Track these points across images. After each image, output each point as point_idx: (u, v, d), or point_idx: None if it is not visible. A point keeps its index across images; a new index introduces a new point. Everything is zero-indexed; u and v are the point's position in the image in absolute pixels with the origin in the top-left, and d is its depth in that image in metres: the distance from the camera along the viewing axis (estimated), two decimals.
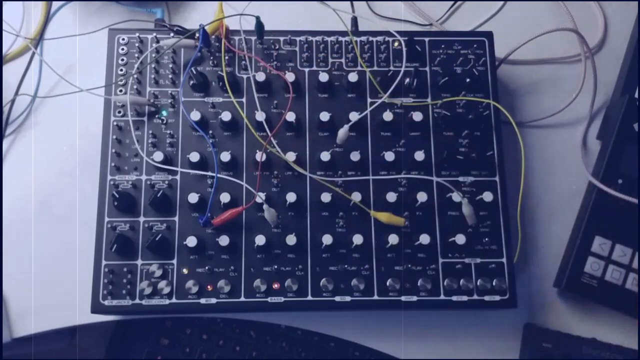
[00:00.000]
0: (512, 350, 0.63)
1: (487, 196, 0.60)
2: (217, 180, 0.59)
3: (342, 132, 0.60)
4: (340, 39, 0.65)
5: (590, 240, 0.63)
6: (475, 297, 0.59)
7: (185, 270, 0.59)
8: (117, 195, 0.58)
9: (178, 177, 0.61)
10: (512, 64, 0.71)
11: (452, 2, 0.74)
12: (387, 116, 0.62)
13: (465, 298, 0.59)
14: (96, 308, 0.57)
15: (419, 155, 0.61)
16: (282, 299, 0.58)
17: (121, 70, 0.63)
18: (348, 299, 0.59)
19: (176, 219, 0.60)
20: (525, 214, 0.66)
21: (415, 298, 0.59)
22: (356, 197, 0.60)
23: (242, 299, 0.58)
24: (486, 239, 0.60)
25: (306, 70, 0.64)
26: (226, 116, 0.61)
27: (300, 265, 0.59)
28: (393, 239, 0.58)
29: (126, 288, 0.58)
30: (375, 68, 0.65)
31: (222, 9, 0.62)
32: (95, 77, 0.64)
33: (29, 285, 0.63)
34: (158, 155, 0.60)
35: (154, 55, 0.64)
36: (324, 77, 0.62)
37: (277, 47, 0.64)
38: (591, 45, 0.71)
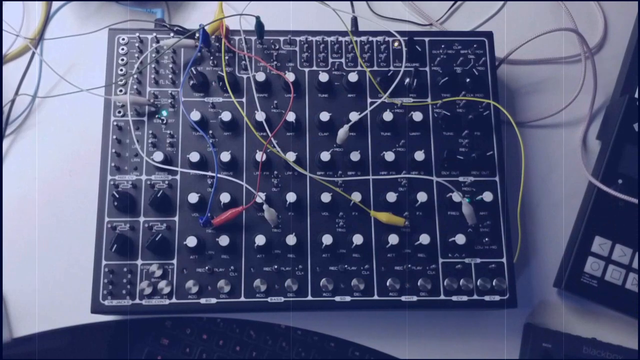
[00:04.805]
0: (512, 350, 0.63)
1: (487, 196, 0.60)
2: (217, 180, 0.59)
3: (342, 132, 0.60)
4: (340, 39, 0.65)
5: (590, 240, 0.63)
6: (475, 297, 0.59)
7: (185, 270, 0.59)
8: (117, 195, 0.58)
9: (178, 177, 0.61)
10: (512, 64, 0.71)
11: (452, 2, 0.74)
12: (387, 116, 0.62)
13: (465, 298, 0.59)
14: (96, 308, 0.57)
15: (419, 155, 0.61)
16: (282, 299, 0.58)
17: (121, 70, 0.63)
18: (348, 299, 0.59)
19: (176, 219, 0.60)
20: (525, 214, 0.66)
21: (415, 298, 0.59)
22: (356, 197, 0.60)
23: (242, 299, 0.58)
24: (486, 239, 0.60)
25: (306, 70, 0.64)
26: (226, 116, 0.61)
27: (300, 265, 0.59)
28: (393, 239, 0.58)
29: (126, 288, 0.58)
30: (375, 68, 0.65)
31: (222, 9, 0.62)
32: (95, 77, 0.64)
33: (29, 285, 0.63)
34: (158, 155, 0.60)
35: (154, 55, 0.64)
36: (324, 77, 0.62)
37: (277, 47, 0.64)
38: (591, 45, 0.71)
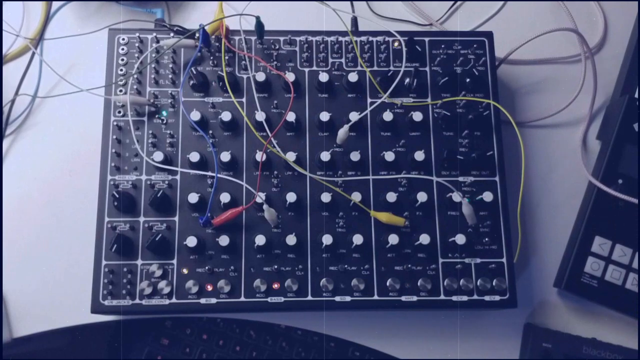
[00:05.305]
0: (512, 350, 0.63)
1: (487, 196, 0.60)
2: (217, 180, 0.59)
3: (342, 132, 0.60)
4: (340, 39, 0.65)
5: (590, 240, 0.63)
6: (475, 297, 0.59)
7: (185, 270, 0.59)
8: (117, 195, 0.58)
9: (178, 177, 0.61)
10: (512, 64, 0.71)
11: (452, 2, 0.74)
12: (387, 116, 0.62)
13: (465, 298, 0.59)
14: (96, 308, 0.57)
15: (419, 155, 0.61)
16: (282, 299, 0.58)
17: (121, 70, 0.63)
18: (348, 299, 0.59)
19: (176, 219, 0.60)
20: (525, 214, 0.66)
21: (415, 298, 0.59)
22: (356, 197, 0.60)
23: (242, 299, 0.58)
24: (486, 239, 0.60)
25: (306, 70, 0.64)
26: (226, 116, 0.61)
27: (300, 265, 0.59)
28: (393, 239, 0.58)
29: (126, 288, 0.58)
30: (375, 68, 0.65)
31: (222, 9, 0.62)
32: (95, 77, 0.64)
33: (29, 285, 0.63)
34: (158, 155, 0.60)
35: (154, 55, 0.64)
36: (324, 77, 0.62)
37: (277, 47, 0.64)
38: (591, 45, 0.71)
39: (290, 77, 0.63)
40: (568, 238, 0.66)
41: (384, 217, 0.59)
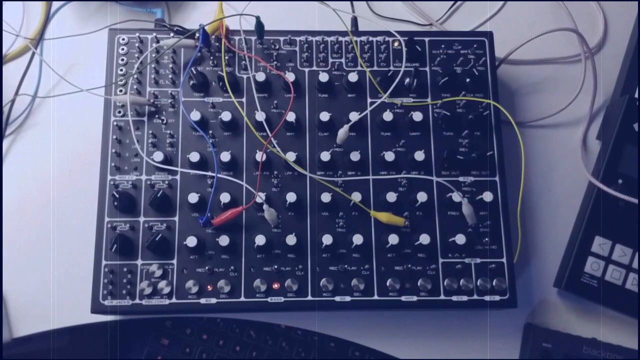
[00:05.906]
0: (512, 350, 0.63)
1: (487, 196, 0.61)
2: (217, 180, 0.59)
3: (342, 132, 0.60)
4: (340, 39, 0.65)
5: (590, 240, 0.63)
6: (475, 297, 0.59)
7: (185, 270, 0.59)
8: (117, 195, 0.58)
9: (178, 177, 0.61)
10: (512, 64, 0.71)
11: (452, 2, 0.74)
12: (387, 116, 0.62)
13: (465, 298, 0.59)
14: (96, 308, 0.57)
15: (419, 155, 0.61)
16: (282, 299, 0.58)
17: (121, 70, 0.63)
18: (348, 299, 0.59)
19: (176, 219, 0.60)
20: (525, 214, 0.66)
21: (415, 298, 0.59)
22: (356, 197, 0.60)
23: (242, 299, 0.58)
24: (486, 239, 0.60)
25: (306, 70, 0.64)
26: (226, 116, 0.61)
27: (300, 265, 0.59)
28: (393, 239, 0.58)
29: (126, 288, 0.58)
30: (375, 68, 0.65)
31: (222, 9, 0.62)
32: (95, 77, 0.64)
33: (29, 285, 0.63)
34: (158, 155, 0.60)
35: (154, 55, 0.64)
36: (324, 77, 0.62)
37: (277, 47, 0.64)
38: (591, 45, 0.71)
39: (290, 77, 0.63)
40: (568, 238, 0.66)
41: (384, 217, 0.59)
